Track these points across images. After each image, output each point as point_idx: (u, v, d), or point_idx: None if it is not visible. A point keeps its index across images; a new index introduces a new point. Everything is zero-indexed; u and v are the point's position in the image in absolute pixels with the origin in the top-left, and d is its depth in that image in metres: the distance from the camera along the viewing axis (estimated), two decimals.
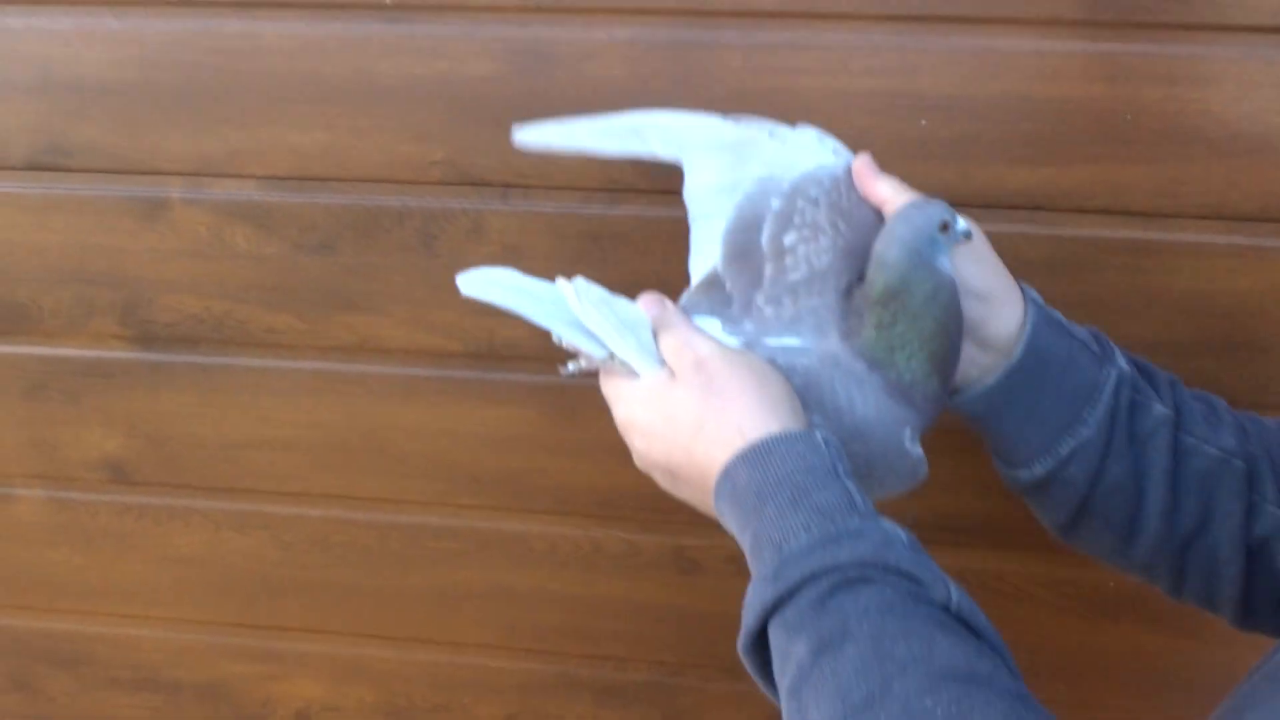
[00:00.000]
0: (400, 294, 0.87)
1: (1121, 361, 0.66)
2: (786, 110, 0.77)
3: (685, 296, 0.69)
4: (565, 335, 0.63)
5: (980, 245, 0.66)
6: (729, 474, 0.57)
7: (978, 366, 0.66)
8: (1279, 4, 0.71)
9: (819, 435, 0.58)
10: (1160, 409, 0.65)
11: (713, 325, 0.66)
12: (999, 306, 0.65)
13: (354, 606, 0.98)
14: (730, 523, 0.58)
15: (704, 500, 0.61)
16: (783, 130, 0.71)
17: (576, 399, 0.89)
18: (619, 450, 0.90)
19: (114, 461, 0.96)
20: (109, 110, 0.84)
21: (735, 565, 0.88)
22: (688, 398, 0.59)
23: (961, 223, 0.62)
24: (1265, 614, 0.66)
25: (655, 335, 0.63)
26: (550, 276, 0.82)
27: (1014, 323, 0.65)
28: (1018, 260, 0.70)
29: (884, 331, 0.62)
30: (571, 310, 0.62)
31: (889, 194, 0.66)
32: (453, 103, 0.81)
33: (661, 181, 0.76)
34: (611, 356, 0.63)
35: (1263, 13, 0.72)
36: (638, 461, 0.65)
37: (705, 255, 0.70)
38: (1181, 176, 0.77)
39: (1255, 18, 0.72)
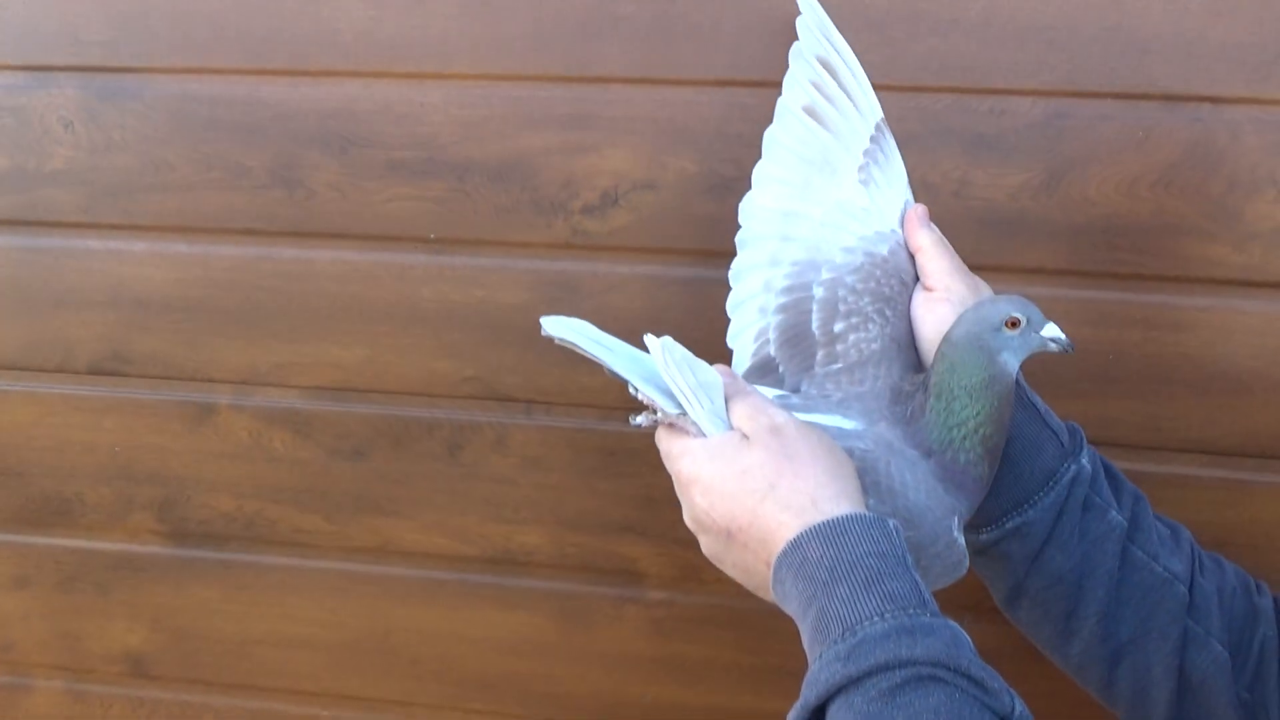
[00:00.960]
0: (424, 499, 0.92)
1: (1085, 461, 0.69)
2: None
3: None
4: (641, 388, 0.64)
5: None
6: (800, 545, 0.57)
7: None
8: (1243, 260, 0.78)
9: (891, 523, 0.58)
10: (1115, 516, 0.68)
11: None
12: None
13: None
14: (792, 593, 0.57)
15: (755, 567, 0.60)
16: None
17: (587, 607, 0.92)
18: (627, 661, 0.93)
19: (134, 655, 0.98)
20: (170, 323, 0.91)
21: None
22: (763, 458, 0.59)
23: (1051, 329, 0.64)
24: None
25: (727, 401, 0.63)
26: (568, 487, 0.87)
27: None
28: None
29: (943, 413, 0.64)
30: (646, 365, 0.64)
31: (926, 245, 0.70)
32: (485, 326, 0.87)
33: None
34: (683, 414, 0.63)
35: (1229, 268, 0.78)
36: (690, 519, 0.64)
37: (745, 332, 0.74)
38: (1164, 413, 0.81)
39: (1222, 272, 0.78)
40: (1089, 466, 0.69)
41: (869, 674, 0.52)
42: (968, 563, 0.65)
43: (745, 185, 0.81)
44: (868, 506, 0.61)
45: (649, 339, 0.64)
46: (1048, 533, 0.67)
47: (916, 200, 0.74)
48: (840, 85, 0.73)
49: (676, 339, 0.83)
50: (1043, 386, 0.81)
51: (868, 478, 0.63)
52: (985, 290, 0.71)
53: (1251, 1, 0.74)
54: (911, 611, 0.54)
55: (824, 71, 0.73)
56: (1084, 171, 0.78)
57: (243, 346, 0.91)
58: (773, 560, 0.58)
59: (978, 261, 0.81)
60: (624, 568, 0.91)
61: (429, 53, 0.83)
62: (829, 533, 0.56)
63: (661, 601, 0.92)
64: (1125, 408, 0.82)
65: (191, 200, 0.88)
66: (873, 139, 0.73)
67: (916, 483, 0.64)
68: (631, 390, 0.65)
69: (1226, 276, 0.78)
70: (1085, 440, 0.70)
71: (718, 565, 0.64)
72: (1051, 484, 0.67)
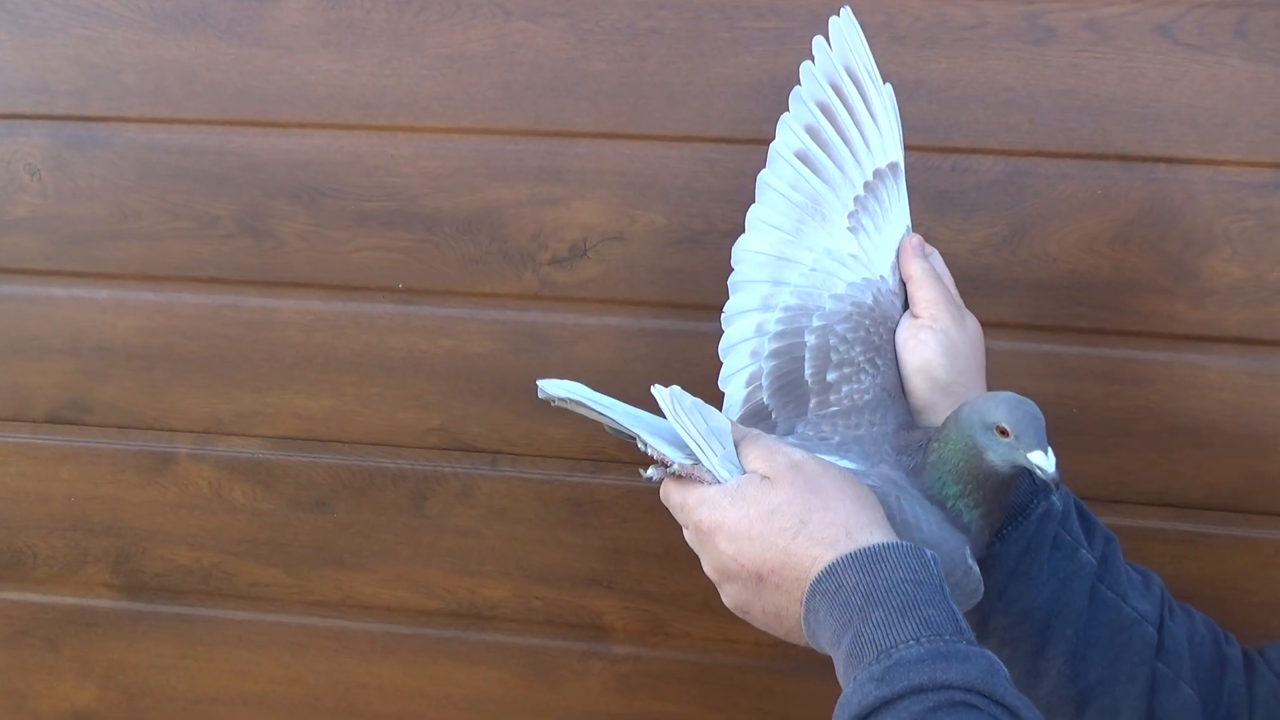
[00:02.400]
0: (388, 551, 0.90)
1: (1056, 500, 0.68)
2: None
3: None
4: (650, 441, 0.63)
5: (958, 342, 0.68)
6: (834, 572, 0.56)
7: None
8: (1200, 316, 0.79)
9: (928, 552, 0.57)
10: (1085, 555, 0.67)
11: None
12: (955, 402, 0.66)
13: None
14: (826, 621, 0.56)
15: (787, 608, 0.59)
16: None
17: (552, 662, 0.90)
18: (593, 718, 0.91)
19: (82, 713, 0.95)
20: (131, 372, 0.90)
21: None
22: (789, 495, 0.58)
23: (1039, 456, 0.61)
24: None
25: (737, 446, 0.62)
26: (534, 539, 0.86)
27: None
28: None
29: (938, 481, 0.64)
30: (647, 420, 0.64)
31: (916, 274, 0.70)
32: (453, 377, 0.87)
33: (641, 454, 0.81)
34: (696, 463, 0.62)
35: (1187, 323, 0.80)
36: (713, 569, 0.62)
37: (737, 375, 0.74)
38: (1127, 466, 0.82)
39: (1181, 327, 0.80)
40: (1059, 504, 0.69)
41: (902, 696, 0.51)
42: (983, 589, 0.64)
43: (713, 238, 0.82)
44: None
45: (657, 390, 0.64)
46: (1014, 567, 0.67)
47: None
48: (839, 130, 0.73)
49: (644, 390, 0.83)
50: None
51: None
52: (971, 323, 0.71)
53: (1202, 68, 0.76)
54: (948, 638, 0.53)
55: (822, 116, 0.73)
56: (1045, 228, 0.80)
57: (205, 395, 0.90)
58: (805, 594, 0.57)
59: None
60: (590, 621, 0.90)
61: (400, 106, 0.84)
62: (865, 559, 0.55)
63: (627, 656, 0.90)
64: (1089, 461, 0.82)
65: (158, 249, 0.88)
66: (868, 185, 0.73)
67: (928, 516, 0.63)
68: (640, 446, 0.64)
69: (1185, 332, 0.80)
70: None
71: (743, 615, 0.62)
72: (1021, 519, 0.67)
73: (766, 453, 0.61)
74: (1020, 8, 0.77)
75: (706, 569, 0.63)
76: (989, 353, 0.82)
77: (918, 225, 0.80)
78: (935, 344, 0.67)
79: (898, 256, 0.72)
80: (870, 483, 0.64)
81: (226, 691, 0.93)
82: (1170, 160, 0.78)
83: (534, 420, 0.87)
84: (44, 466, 0.93)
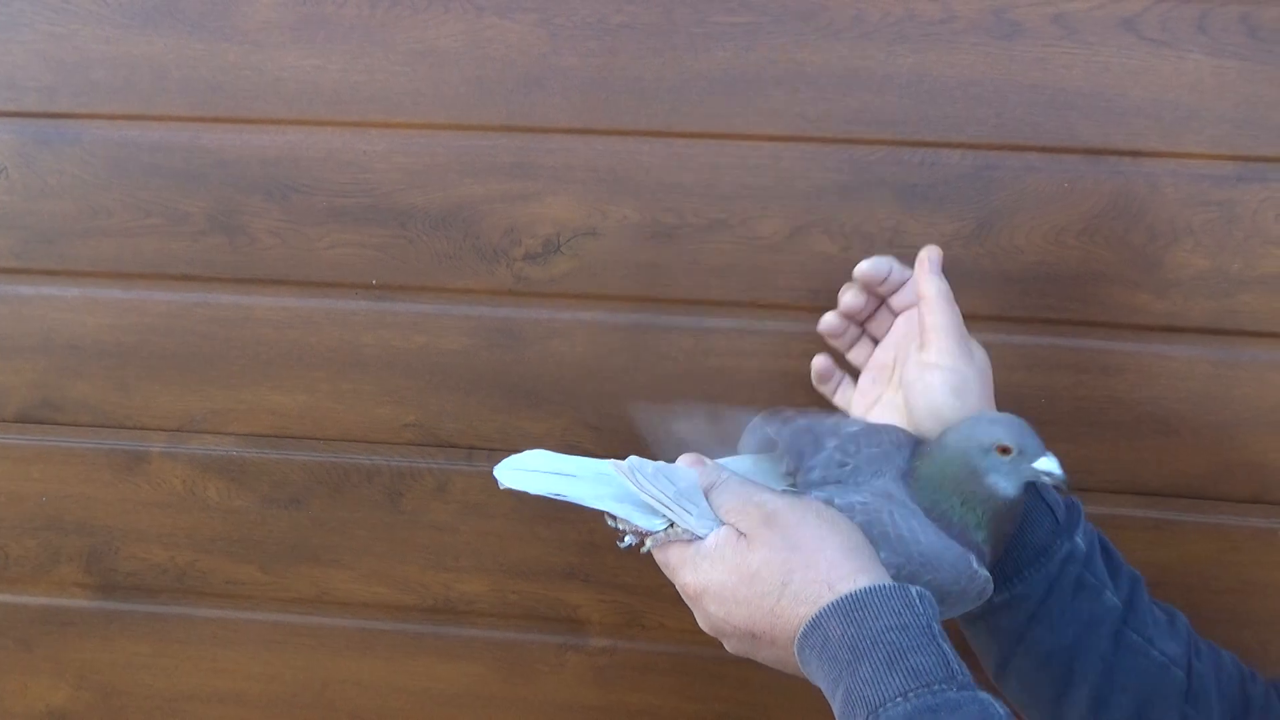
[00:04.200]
0: (363, 548, 0.90)
1: (1080, 539, 0.67)
2: (733, 387, 0.84)
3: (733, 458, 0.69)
4: (617, 512, 0.63)
5: (969, 379, 0.67)
6: (819, 625, 0.55)
7: None
8: (1165, 307, 0.80)
9: (914, 591, 0.56)
10: (1110, 598, 0.66)
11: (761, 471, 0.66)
12: None
13: None
14: (819, 677, 0.56)
15: (787, 659, 0.59)
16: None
17: (529, 656, 0.91)
18: (570, 710, 0.91)
19: (58, 713, 0.95)
20: (104, 370, 0.90)
21: None
22: (769, 556, 0.57)
23: (1046, 462, 0.61)
24: None
25: (709, 496, 0.61)
26: (510, 534, 0.86)
27: None
28: None
29: (930, 494, 0.63)
30: (616, 482, 0.63)
31: (930, 295, 0.68)
32: (427, 372, 0.87)
33: (616, 447, 0.82)
34: (670, 525, 0.61)
35: (1153, 314, 0.81)
36: (706, 626, 0.62)
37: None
38: (1096, 455, 0.83)
39: (1146, 318, 0.81)
40: (1083, 545, 0.67)
41: None
42: (991, 586, 0.63)
43: (686, 233, 0.83)
44: (883, 563, 0.59)
45: (612, 465, 0.63)
46: (1034, 609, 0.65)
47: (854, 251, 0.75)
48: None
49: (618, 384, 0.83)
50: None
51: (874, 530, 0.61)
52: (980, 356, 0.69)
53: (1165, 63, 0.77)
54: (936, 688, 0.52)
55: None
56: (1012, 221, 0.81)
57: (178, 393, 0.89)
58: (795, 649, 0.57)
59: None
60: (566, 615, 0.90)
61: (372, 101, 0.83)
62: (846, 609, 0.55)
63: (604, 649, 0.91)
64: (1058, 451, 0.82)
65: (129, 246, 0.87)
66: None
67: (923, 527, 0.62)
68: (609, 521, 0.64)
69: (1150, 323, 0.81)
70: (1084, 516, 0.69)
71: (751, 658, 0.62)
72: (1043, 560, 0.66)
73: (739, 504, 0.60)
74: (988, 3, 0.78)
75: (701, 625, 0.62)
76: None
77: (887, 218, 0.81)
78: (944, 386, 0.66)
79: (915, 267, 0.70)
80: (860, 499, 0.62)
81: (203, 690, 0.93)
82: (1135, 154, 0.79)
83: (509, 415, 0.87)
84: (15, 466, 0.92)
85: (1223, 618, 0.84)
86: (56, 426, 0.91)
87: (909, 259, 0.81)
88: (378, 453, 0.89)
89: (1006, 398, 0.83)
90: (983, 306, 0.82)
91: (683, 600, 0.88)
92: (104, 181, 0.86)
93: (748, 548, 0.58)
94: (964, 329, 0.70)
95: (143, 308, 0.89)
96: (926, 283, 0.69)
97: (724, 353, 0.85)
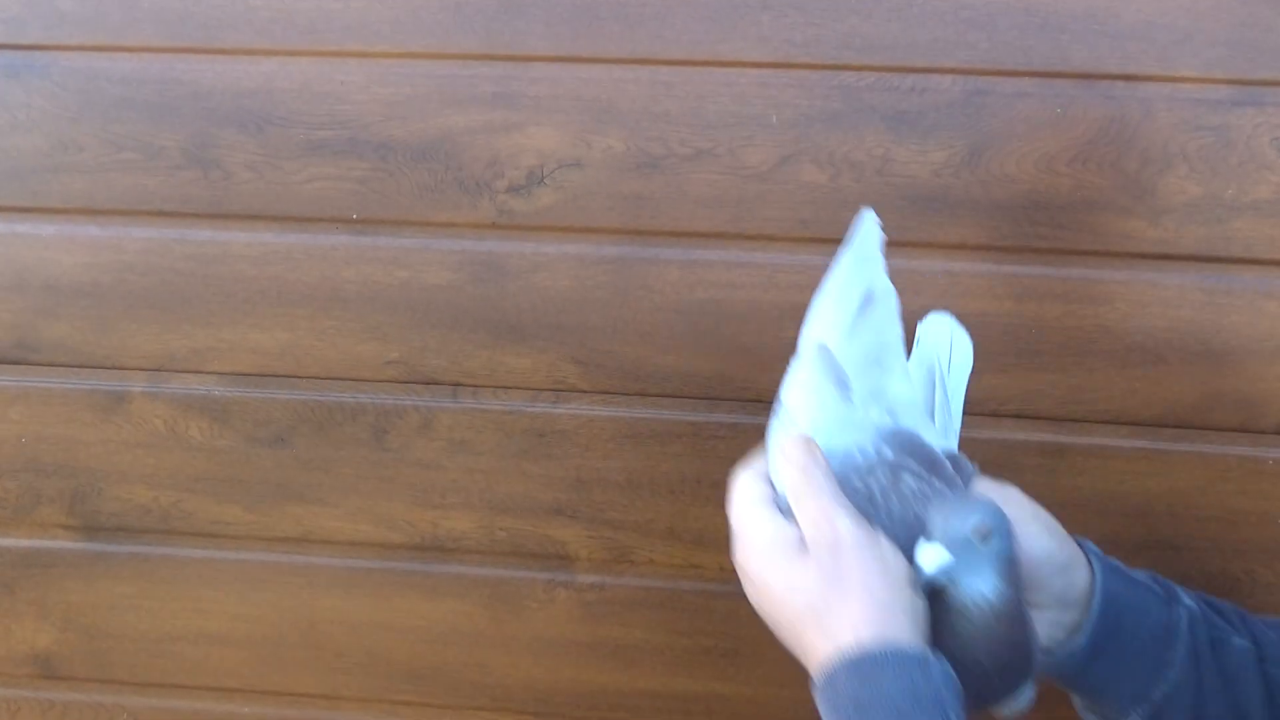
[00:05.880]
0: (348, 486, 0.89)
1: (1188, 599, 0.66)
2: (720, 319, 0.83)
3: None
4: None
5: (1047, 517, 0.66)
6: (832, 679, 0.55)
7: (1063, 627, 0.65)
8: (1158, 235, 0.79)
9: (931, 659, 0.55)
10: (1240, 642, 0.65)
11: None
12: (1076, 569, 0.65)
13: None
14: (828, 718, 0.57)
15: (800, 657, 0.60)
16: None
17: (517, 592, 0.91)
18: (559, 647, 0.91)
19: (43, 656, 0.94)
20: (81, 309, 0.88)
21: None
22: (814, 581, 0.58)
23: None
24: None
25: (797, 499, 0.60)
26: (496, 471, 0.85)
27: (1086, 579, 0.65)
28: None
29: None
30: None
31: None
32: (410, 308, 0.86)
33: (603, 383, 0.81)
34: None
35: (1145, 242, 0.80)
36: (744, 585, 0.63)
37: None
38: (1085, 385, 0.83)
39: (1138, 246, 0.80)
40: (1195, 603, 0.66)
41: None
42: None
43: (672, 163, 0.81)
44: (927, 643, 0.57)
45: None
46: (1198, 685, 0.64)
47: (842, 180, 0.73)
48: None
49: (604, 318, 0.82)
50: None
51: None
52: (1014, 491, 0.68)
53: None
54: None
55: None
56: (1003, 148, 0.79)
57: (157, 332, 0.88)
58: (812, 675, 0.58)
59: (902, 238, 0.82)
60: (554, 551, 0.90)
61: (349, 31, 0.81)
62: (860, 668, 0.54)
63: (593, 585, 0.91)
64: (1047, 380, 0.83)
65: (102, 182, 0.85)
66: None
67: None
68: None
69: (1142, 250, 0.80)
70: (1165, 578, 0.68)
71: None
72: (1175, 636, 0.64)
73: (818, 518, 0.59)
74: None
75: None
76: (951, 275, 0.82)
77: (876, 146, 0.80)
78: (1042, 532, 0.64)
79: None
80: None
81: (188, 630, 0.92)
82: (1128, 78, 0.77)
83: (494, 350, 0.86)
84: None
85: (1211, 546, 0.84)
86: (34, 367, 0.90)
87: (899, 187, 0.80)
88: (361, 390, 0.88)
89: (996, 327, 0.82)
90: (972, 235, 0.81)
91: (670, 536, 0.88)
92: (74, 115, 0.84)
93: (801, 563, 0.58)
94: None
95: (119, 245, 0.87)
96: None
97: (712, 285, 0.83)
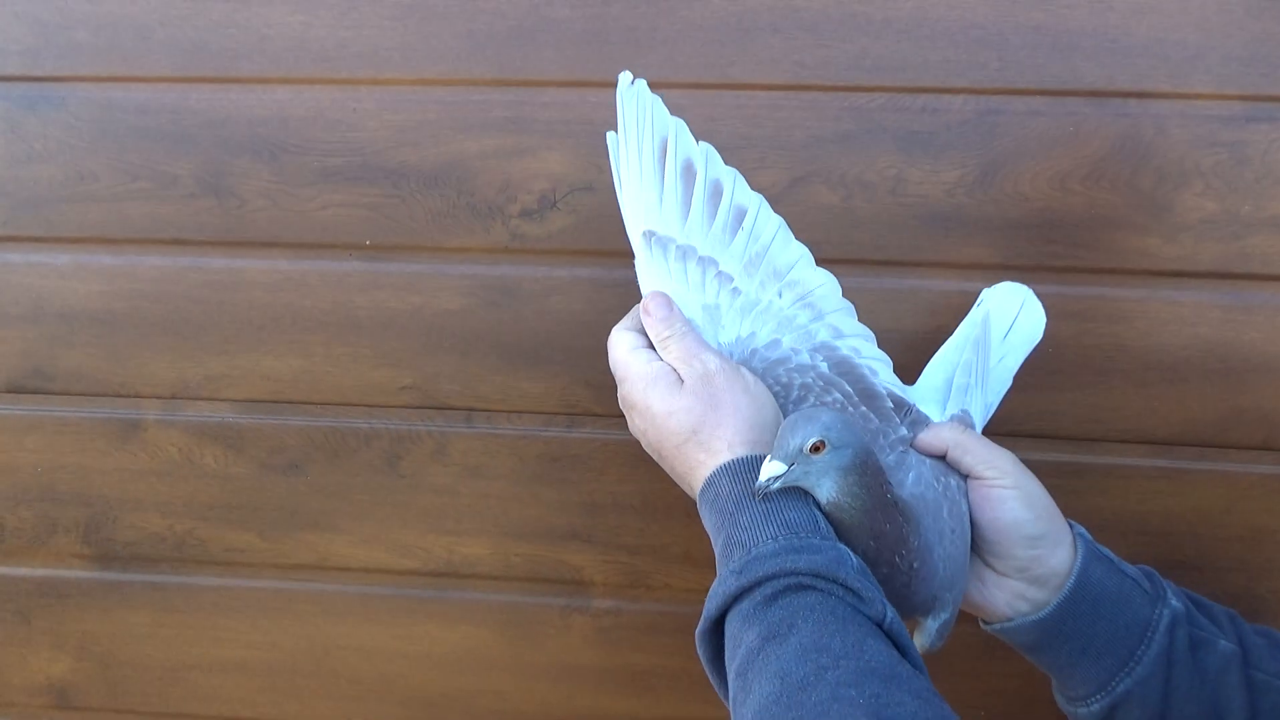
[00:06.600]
0: (363, 513, 0.89)
1: (1175, 600, 0.67)
2: None
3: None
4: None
5: (1033, 489, 0.67)
6: (713, 482, 0.63)
7: (1028, 602, 0.67)
8: (1174, 252, 0.79)
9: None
10: (1225, 645, 0.66)
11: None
12: (1051, 547, 0.66)
13: None
14: (708, 523, 0.64)
15: (684, 481, 0.66)
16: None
17: (533, 618, 0.90)
18: (575, 672, 0.91)
19: (58, 685, 0.94)
20: (96, 338, 0.88)
21: None
22: (690, 404, 0.65)
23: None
24: None
25: (666, 340, 0.68)
26: (511, 496, 0.85)
27: (1065, 561, 0.66)
28: None
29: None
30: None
31: (964, 441, 0.68)
32: (423, 333, 0.86)
33: (616, 406, 0.81)
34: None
35: (1161, 259, 0.79)
36: (631, 428, 0.69)
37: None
38: (1103, 404, 0.82)
39: (1154, 263, 0.79)
40: (1181, 605, 0.67)
41: (756, 584, 0.58)
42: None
43: None
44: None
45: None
46: (1165, 686, 0.65)
47: (855, 201, 0.73)
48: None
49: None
50: None
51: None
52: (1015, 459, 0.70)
53: (1170, 0, 0.75)
54: (802, 535, 0.59)
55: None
56: (1017, 166, 0.79)
57: (171, 359, 0.88)
58: (695, 492, 0.65)
59: (916, 258, 0.82)
60: (569, 577, 0.90)
61: (361, 58, 0.82)
62: (737, 470, 0.62)
63: (608, 610, 0.90)
64: (1066, 400, 0.82)
65: (117, 211, 0.86)
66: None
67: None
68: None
69: (1159, 268, 0.80)
70: (1162, 579, 0.69)
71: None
72: (1151, 634, 0.65)
73: (687, 356, 0.67)
74: None
75: (629, 426, 0.70)
76: (965, 295, 0.82)
77: (888, 167, 0.80)
78: (1018, 502, 0.66)
79: (936, 431, 0.69)
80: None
81: (204, 658, 0.92)
82: (1141, 95, 0.77)
83: (507, 375, 0.86)
84: (9, 437, 0.91)
85: (1233, 566, 0.83)
86: (49, 396, 0.90)
87: (912, 207, 0.80)
88: (375, 416, 0.88)
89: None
90: (987, 255, 0.81)
91: (685, 560, 0.88)
92: (90, 145, 0.85)
93: (676, 391, 0.66)
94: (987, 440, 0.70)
95: (133, 273, 0.87)
96: (952, 434, 0.69)
97: None
